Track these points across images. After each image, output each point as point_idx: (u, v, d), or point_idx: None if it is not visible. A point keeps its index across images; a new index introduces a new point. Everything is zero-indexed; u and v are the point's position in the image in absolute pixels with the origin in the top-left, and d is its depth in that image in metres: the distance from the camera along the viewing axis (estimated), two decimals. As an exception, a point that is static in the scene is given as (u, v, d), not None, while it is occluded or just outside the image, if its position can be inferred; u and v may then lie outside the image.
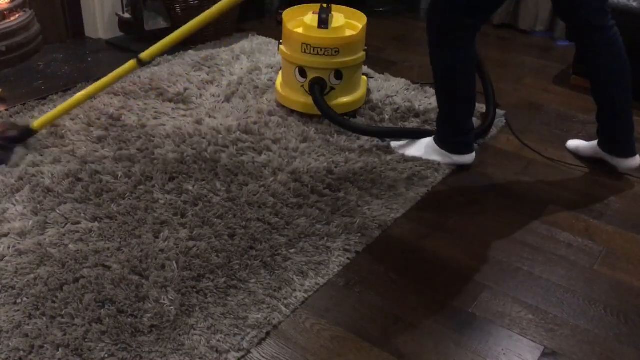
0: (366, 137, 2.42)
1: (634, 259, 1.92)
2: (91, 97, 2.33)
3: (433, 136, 2.33)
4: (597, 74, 2.20)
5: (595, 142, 2.36)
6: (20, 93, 2.66)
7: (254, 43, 3.29)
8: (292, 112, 2.58)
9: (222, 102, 2.64)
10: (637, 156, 2.27)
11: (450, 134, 2.27)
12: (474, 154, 2.31)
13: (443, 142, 2.29)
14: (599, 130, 2.31)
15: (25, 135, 2.22)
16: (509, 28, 3.78)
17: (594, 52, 2.15)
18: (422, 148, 2.33)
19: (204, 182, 2.11)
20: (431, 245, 1.94)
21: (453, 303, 1.71)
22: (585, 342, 1.61)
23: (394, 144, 2.39)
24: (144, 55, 2.19)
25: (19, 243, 1.79)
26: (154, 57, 2.33)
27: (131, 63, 2.19)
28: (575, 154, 2.45)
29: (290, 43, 2.51)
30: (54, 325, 1.54)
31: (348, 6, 2.68)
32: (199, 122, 2.47)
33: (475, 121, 2.40)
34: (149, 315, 1.58)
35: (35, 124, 2.21)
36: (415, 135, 2.40)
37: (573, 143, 2.48)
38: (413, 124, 2.58)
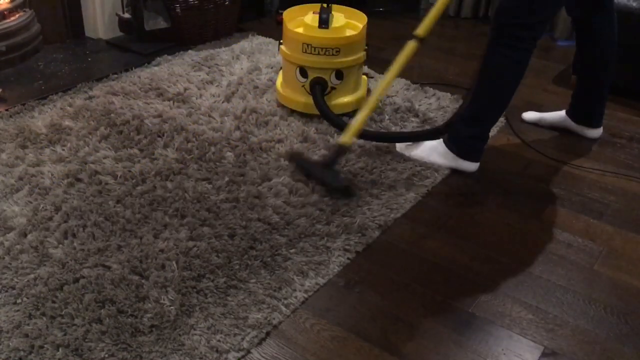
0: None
1: (634, 259, 1.92)
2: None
3: (442, 138, 2.31)
4: (594, 52, 2.37)
5: (561, 113, 2.58)
6: (20, 93, 2.66)
7: (254, 43, 3.29)
8: (292, 112, 2.58)
9: (222, 102, 2.64)
10: (601, 128, 2.56)
11: (467, 135, 2.25)
12: (478, 164, 2.30)
13: (456, 144, 2.26)
14: (575, 104, 2.52)
15: (340, 154, 2.12)
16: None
17: (597, 30, 2.32)
18: (426, 149, 2.32)
19: (204, 182, 2.11)
20: (431, 245, 1.94)
21: (453, 303, 1.71)
22: (585, 342, 1.61)
23: (398, 144, 2.38)
24: (421, 31, 2.12)
25: (19, 243, 1.79)
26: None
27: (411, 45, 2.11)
28: (536, 124, 2.63)
29: (291, 43, 2.51)
30: (54, 325, 1.54)
31: (348, 6, 2.68)
32: (198, 122, 2.47)
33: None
34: (149, 315, 1.58)
35: (345, 139, 2.09)
36: (413, 139, 2.39)
37: (532, 115, 2.66)
38: (413, 124, 2.58)
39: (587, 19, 2.33)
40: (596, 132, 2.56)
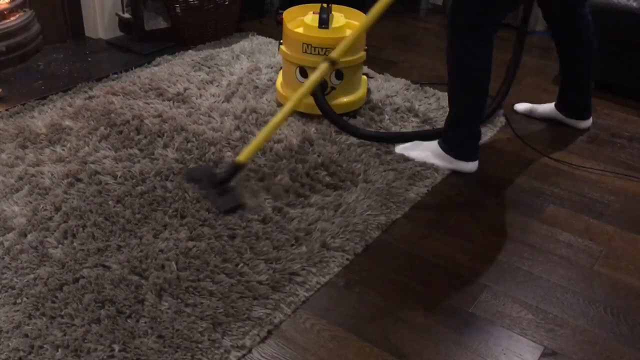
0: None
1: (634, 259, 1.92)
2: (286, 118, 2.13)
3: (438, 140, 2.31)
4: (574, 51, 2.46)
5: (551, 105, 2.65)
6: (20, 93, 2.66)
7: (254, 43, 3.29)
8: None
9: (222, 102, 2.64)
10: (591, 118, 2.63)
11: (459, 137, 2.26)
12: (477, 162, 2.30)
13: (449, 146, 2.27)
14: (562, 98, 2.60)
15: (235, 172, 2.04)
16: (509, 28, 3.77)
17: (575, 33, 2.41)
18: (425, 151, 2.32)
19: (204, 182, 2.11)
20: (431, 245, 1.94)
21: (453, 303, 1.71)
22: (585, 342, 1.61)
23: (397, 145, 2.38)
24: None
25: (18, 243, 1.79)
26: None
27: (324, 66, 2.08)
28: (528, 115, 2.71)
29: (291, 43, 2.51)
30: (54, 326, 1.54)
31: (348, 6, 2.68)
32: (198, 122, 2.47)
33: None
34: (148, 315, 1.58)
35: (241, 157, 2.02)
36: (413, 139, 2.40)
37: (524, 106, 2.74)
38: (413, 124, 2.58)
39: (564, 25, 2.41)
40: (585, 124, 2.63)
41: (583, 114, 2.61)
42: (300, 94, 2.08)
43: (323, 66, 2.08)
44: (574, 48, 2.46)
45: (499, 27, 2.13)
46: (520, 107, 2.74)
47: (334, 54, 2.09)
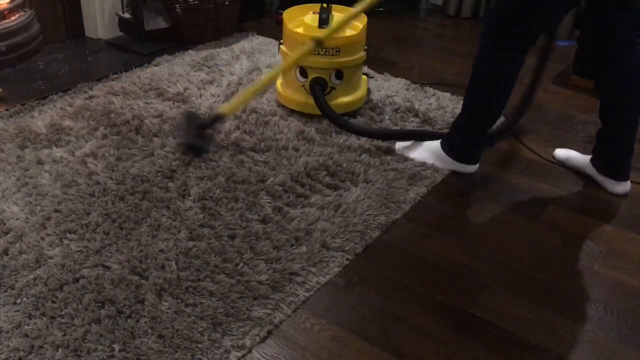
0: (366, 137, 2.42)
1: (634, 259, 1.92)
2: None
3: (440, 141, 2.31)
4: (613, 92, 2.14)
5: (587, 157, 2.29)
6: (20, 93, 2.66)
7: (254, 43, 3.29)
8: (292, 111, 2.58)
9: (222, 102, 2.64)
10: (629, 182, 2.22)
11: (465, 142, 2.25)
12: (477, 165, 2.30)
13: (453, 149, 2.26)
14: (597, 148, 2.24)
15: (215, 120, 2.24)
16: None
17: (616, 68, 2.09)
18: (425, 152, 2.32)
19: (204, 182, 2.11)
20: (431, 245, 1.94)
21: (453, 303, 1.71)
22: (585, 342, 1.61)
23: (398, 144, 2.38)
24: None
25: (18, 243, 1.79)
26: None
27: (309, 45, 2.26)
28: (563, 163, 2.37)
29: (291, 43, 2.50)
30: (54, 326, 1.54)
31: (348, 6, 2.67)
32: (199, 122, 2.47)
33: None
34: (148, 315, 1.58)
35: (224, 109, 2.26)
36: (414, 137, 2.40)
37: (562, 153, 2.39)
38: (413, 124, 2.58)
39: (605, 55, 2.10)
40: (622, 187, 2.20)
41: (617, 172, 2.19)
42: (291, 58, 2.31)
43: (311, 43, 2.25)
44: (614, 90, 2.13)
45: (530, 44, 2.05)
46: (559, 152, 2.40)
47: (321, 35, 2.26)
